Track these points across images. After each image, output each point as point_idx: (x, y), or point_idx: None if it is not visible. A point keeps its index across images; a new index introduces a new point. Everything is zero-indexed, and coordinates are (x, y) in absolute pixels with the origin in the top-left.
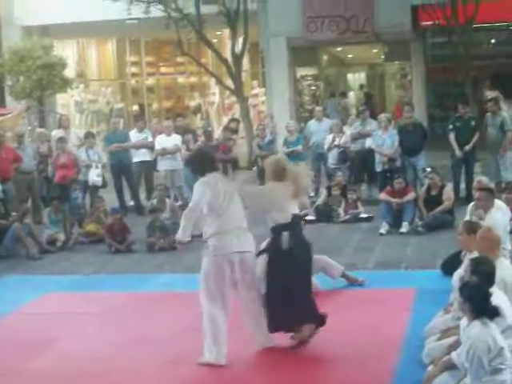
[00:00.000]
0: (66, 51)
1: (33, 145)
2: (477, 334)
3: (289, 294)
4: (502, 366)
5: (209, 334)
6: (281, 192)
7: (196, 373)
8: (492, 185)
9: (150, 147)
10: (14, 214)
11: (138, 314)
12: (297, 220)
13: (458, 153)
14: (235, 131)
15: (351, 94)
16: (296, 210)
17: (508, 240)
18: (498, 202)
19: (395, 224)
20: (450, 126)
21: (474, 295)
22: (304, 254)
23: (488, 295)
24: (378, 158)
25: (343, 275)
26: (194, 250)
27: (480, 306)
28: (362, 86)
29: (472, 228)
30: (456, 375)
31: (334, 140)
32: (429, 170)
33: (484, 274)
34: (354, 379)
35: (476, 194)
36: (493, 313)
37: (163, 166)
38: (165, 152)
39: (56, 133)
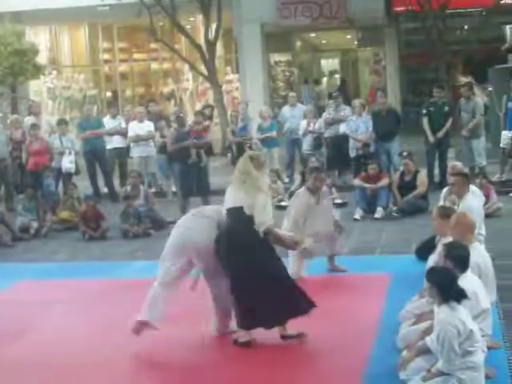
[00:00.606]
0: (39, 37)
1: (5, 131)
2: (445, 318)
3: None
4: (473, 348)
5: None
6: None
7: (169, 360)
8: (466, 170)
9: (124, 134)
10: None
11: (112, 301)
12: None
13: (430, 138)
14: (209, 117)
15: (325, 80)
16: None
17: (483, 225)
18: (472, 187)
19: (369, 209)
20: (424, 111)
21: (440, 280)
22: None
23: (454, 279)
24: (352, 143)
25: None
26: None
27: (447, 290)
28: (335, 72)
29: (446, 213)
30: (430, 360)
31: (308, 126)
32: (405, 153)
33: (458, 258)
34: (328, 364)
35: (451, 180)
36: (460, 296)
37: (137, 152)
38: (138, 139)
39: (27, 119)
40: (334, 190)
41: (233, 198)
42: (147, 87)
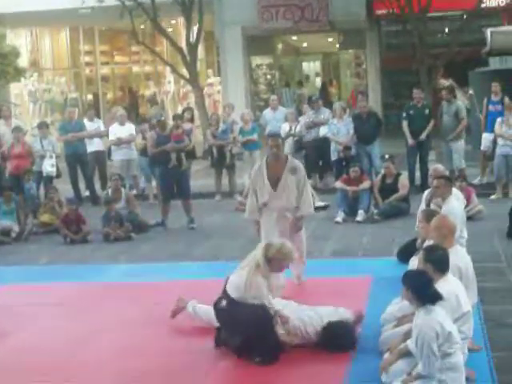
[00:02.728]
0: (20, 40)
1: None
2: (423, 321)
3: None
4: (452, 350)
5: None
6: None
7: (150, 364)
8: (447, 172)
9: (103, 136)
10: None
11: (93, 304)
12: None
13: (410, 141)
14: (190, 120)
15: (306, 83)
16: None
17: (464, 228)
18: (454, 190)
19: (351, 212)
20: (404, 115)
21: (414, 283)
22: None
23: (429, 281)
24: (333, 146)
25: None
26: (149, 239)
27: (422, 292)
28: (317, 75)
29: (432, 216)
30: (412, 362)
31: (290, 129)
32: (387, 156)
33: (436, 261)
34: (309, 367)
35: (434, 183)
36: (435, 298)
37: (118, 155)
38: (120, 141)
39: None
40: (313, 192)
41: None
42: (124, 92)
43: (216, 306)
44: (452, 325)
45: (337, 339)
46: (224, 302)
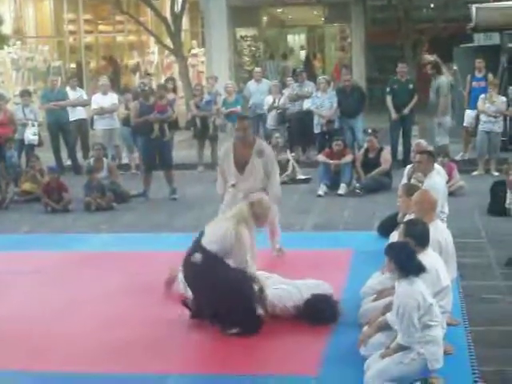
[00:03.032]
0: (3, 8)
1: None
2: (405, 291)
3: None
4: (432, 323)
5: None
6: None
7: (131, 334)
8: (430, 148)
9: (86, 105)
10: None
11: (74, 273)
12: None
13: (393, 116)
14: (173, 90)
15: (291, 56)
16: None
17: (446, 204)
18: (436, 165)
19: (333, 186)
20: (388, 89)
21: (398, 254)
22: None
23: (412, 253)
24: (316, 119)
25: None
26: (131, 209)
27: (405, 264)
28: (301, 48)
29: (411, 190)
30: (390, 336)
31: (273, 101)
32: (370, 130)
33: (417, 235)
34: (289, 339)
35: (416, 157)
36: (418, 269)
37: (100, 125)
38: (102, 111)
39: None
40: (293, 165)
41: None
42: (106, 61)
43: (187, 260)
44: (434, 299)
45: (319, 313)
46: (198, 257)
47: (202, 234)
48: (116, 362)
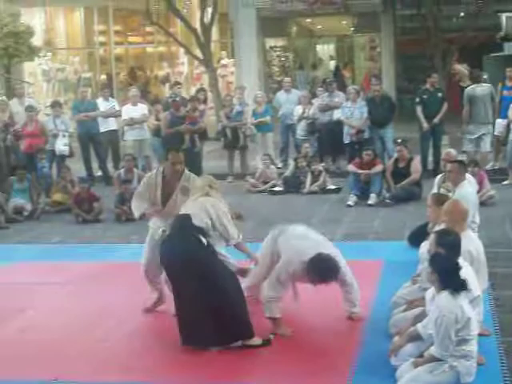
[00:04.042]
0: (34, 19)
1: None
2: (446, 304)
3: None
4: (468, 337)
5: None
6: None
7: (159, 344)
8: (462, 157)
9: (117, 116)
10: None
11: (104, 284)
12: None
13: (424, 126)
14: (203, 101)
15: (320, 66)
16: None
17: (477, 213)
18: (467, 175)
19: (363, 196)
20: (417, 99)
21: (444, 267)
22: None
23: (458, 268)
24: (346, 129)
25: None
26: None
27: (449, 278)
28: (331, 58)
29: (441, 200)
30: (421, 346)
31: (303, 111)
32: (400, 140)
33: (449, 245)
34: (320, 350)
35: (448, 167)
36: (461, 286)
37: (131, 135)
38: (132, 122)
39: (12, 103)
40: (325, 175)
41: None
42: (128, 71)
43: (167, 244)
44: (472, 312)
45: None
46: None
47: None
48: (145, 371)
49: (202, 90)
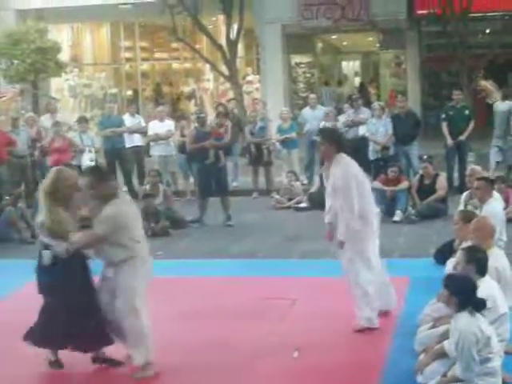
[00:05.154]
0: (61, 35)
1: (27, 129)
2: (464, 325)
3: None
4: (491, 355)
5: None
6: None
7: (185, 360)
8: (488, 174)
9: (144, 132)
10: (6, 197)
11: None
12: None
13: (449, 142)
14: (224, 115)
15: (345, 83)
16: None
17: (504, 231)
18: (494, 192)
19: (388, 212)
20: (443, 116)
21: (460, 288)
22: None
23: (474, 287)
24: (371, 146)
25: None
26: (187, 235)
27: (466, 298)
28: (356, 74)
29: (468, 217)
30: (447, 363)
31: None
32: (425, 157)
33: (478, 262)
34: (345, 366)
35: (475, 184)
36: (480, 305)
37: (156, 151)
38: (157, 138)
39: (44, 118)
40: None
41: None
42: (153, 87)
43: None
44: (491, 330)
45: None
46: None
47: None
48: None
49: (221, 104)
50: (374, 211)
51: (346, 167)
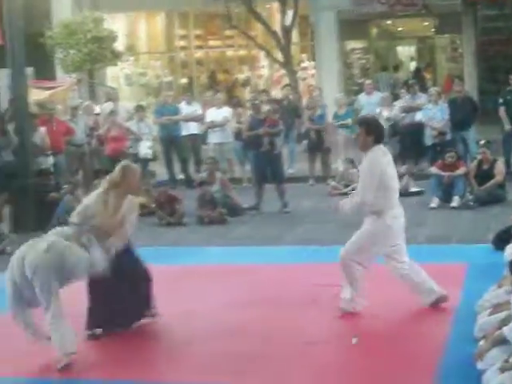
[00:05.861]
0: (117, 25)
1: (84, 118)
2: None
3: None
4: None
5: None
6: None
7: (245, 346)
8: None
9: (200, 120)
10: (65, 186)
11: (187, 286)
12: None
13: (507, 127)
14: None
15: (401, 68)
16: None
17: None
18: None
19: (446, 198)
20: (501, 100)
21: None
22: None
23: None
24: (428, 131)
25: None
26: (243, 222)
27: None
28: (412, 59)
29: None
30: (508, 350)
31: (385, 113)
32: (483, 142)
33: None
34: (405, 353)
35: None
36: None
37: (213, 138)
38: (213, 125)
39: (106, 106)
40: (407, 178)
41: None
42: (209, 74)
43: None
44: None
45: None
46: None
47: None
48: (234, 372)
49: (264, 90)
50: (396, 212)
51: (377, 158)
